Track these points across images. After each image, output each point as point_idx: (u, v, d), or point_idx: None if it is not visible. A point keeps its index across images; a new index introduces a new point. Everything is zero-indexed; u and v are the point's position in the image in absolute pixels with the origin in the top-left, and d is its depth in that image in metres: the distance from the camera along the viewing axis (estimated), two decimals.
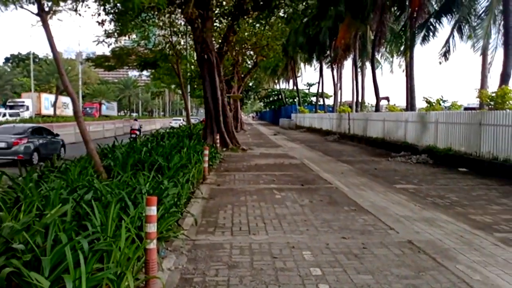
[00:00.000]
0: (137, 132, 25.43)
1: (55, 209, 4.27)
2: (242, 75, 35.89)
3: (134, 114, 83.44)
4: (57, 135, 17.25)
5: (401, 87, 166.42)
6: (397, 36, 28.86)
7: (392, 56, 36.87)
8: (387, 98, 38.83)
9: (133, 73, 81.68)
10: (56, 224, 3.83)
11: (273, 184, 10.02)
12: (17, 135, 14.55)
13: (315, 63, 47.12)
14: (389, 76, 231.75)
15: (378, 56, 35.38)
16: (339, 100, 41.64)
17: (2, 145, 13.93)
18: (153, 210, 4.14)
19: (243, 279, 4.26)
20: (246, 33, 25.09)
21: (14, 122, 25.68)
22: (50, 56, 61.44)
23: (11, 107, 42.74)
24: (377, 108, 26.00)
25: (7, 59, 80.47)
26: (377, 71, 32.90)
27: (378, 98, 26.24)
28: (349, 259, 4.87)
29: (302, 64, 54.89)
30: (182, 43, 28.70)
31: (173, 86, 46.89)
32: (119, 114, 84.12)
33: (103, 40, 21.45)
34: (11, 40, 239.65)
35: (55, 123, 27.88)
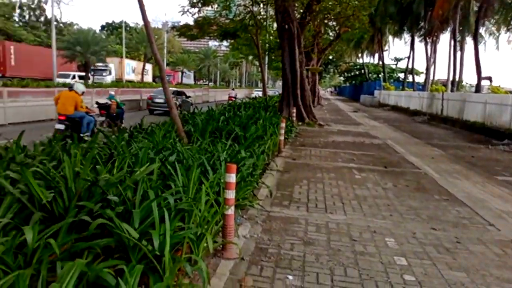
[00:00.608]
0: (233, 98, 30.22)
1: (143, 167, 4.66)
2: (323, 47, 35.09)
3: (231, 85, 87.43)
4: (189, 96, 25.04)
5: (507, 67, 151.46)
6: (508, 7, 26.23)
7: (499, 31, 33.76)
8: (489, 78, 35.81)
9: (213, 43, 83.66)
10: (144, 181, 4.20)
11: (352, 163, 9.88)
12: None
13: (406, 36, 44.68)
14: (494, 54, 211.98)
15: (481, 30, 32.62)
16: (431, 77, 39.26)
17: (160, 100, 20.90)
18: (232, 177, 4.35)
19: (320, 257, 4.33)
20: (330, 2, 24.40)
21: (100, 86, 27.77)
22: (139, 25, 65.20)
23: (95, 71, 45.90)
24: (478, 88, 24.15)
25: (102, 27, 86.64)
26: (480, 47, 30.32)
27: (479, 78, 24.30)
28: (440, 252, 4.64)
29: (390, 37, 52.27)
30: (262, 13, 28.80)
31: (250, 57, 47.45)
32: (196, 83, 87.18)
33: (188, 10, 22.40)
34: (106, 9, 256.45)
35: (143, 88, 29.69)
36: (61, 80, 27.25)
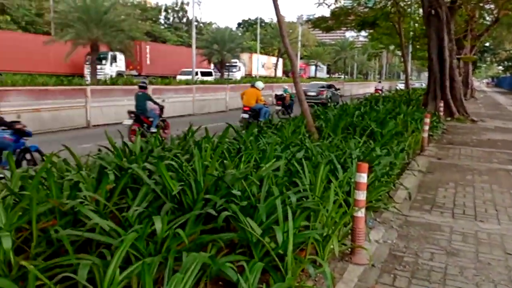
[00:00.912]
0: (380, 91, 30.89)
1: (269, 163, 4.76)
2: (478, 34, 31.67)
3: (378, 77, 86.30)
4: (338, 89, 27.31)
5: None
6: None
7: None
8: None
9: (350, 34, 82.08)
10: (269, 177, 4.27)
11: (511, 166, 8.76)
12: (320, 88, 24.99)
13: None
14: None
15: None
16: None
17: (313, 93, 23.84)
18: (363, 177, 4.17)
19: (464, 271, 3.92)
20: None
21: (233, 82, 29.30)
22: (274, 21, 67.56)
23: (227, 68, 48.36)
24: None
25: (239, 24, 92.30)
26: None
27: None
28: None
29: None
30: None
31: (391, 47, 45.28)
32: (331, 76, 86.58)
33: (324, 1, 22.48)
34: (243, 7, 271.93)
35: (275, 84, 30.60)
36: (183, 78, 29.36)
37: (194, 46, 31.94)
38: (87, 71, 32.42)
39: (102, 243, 3.29)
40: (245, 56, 53.79)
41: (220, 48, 44.67)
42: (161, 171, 4.00)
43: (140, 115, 10.84)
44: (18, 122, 6.84)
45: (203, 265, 3.00)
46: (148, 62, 36.31)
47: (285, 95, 18.32)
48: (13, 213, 3.12)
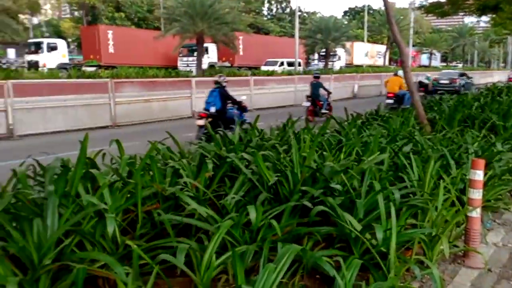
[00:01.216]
0: None
1: (373, 156, 4.59)
2: None
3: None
4: (470, 77, 27.08)
5: None
6: None
7: None
8: None
9: (469, 20, 75.90)
10: (371, 171, 4.12)
11: None
12: (453, 76, 25.25)
13: None
14: None
15: None
16: None
17: (446, 81, 24.27)
18: (478, 174, 3.86)
19: None
20: None
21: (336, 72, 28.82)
22: (383, 8, 65.04)
23: (324, 58, 47.26)
24: None
25: (345, 13, 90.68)
26: None
27: None
28: None
29: None
30: None
31: None
32: (448, 64, 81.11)
33: None
34: None
35: (383, 73, 29.51)
36: (270, 68, 29.35)
37: (297, 36, 31.94)
38: (180, 63, 34.21)
39: (200, 229, 3.46)
40: (346, 45, 52.32)
41: (324, 37, 44.13)
42: (258, 161, 4.07)
43: (314, 99, 13.96)
44: (241, 101, 9.65)
45: (299, 257, 3.01)
46: (241, 53, 36.95)
47: (427, 82, 21.47)
48: (120, 196, 3.39)
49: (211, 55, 35.19)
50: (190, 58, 33.13)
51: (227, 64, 36.21)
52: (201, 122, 9.16)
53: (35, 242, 2.56)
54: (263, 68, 30.47)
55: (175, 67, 30.68)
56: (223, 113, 9.33)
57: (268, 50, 39.40)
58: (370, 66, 46.84)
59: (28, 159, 4.20)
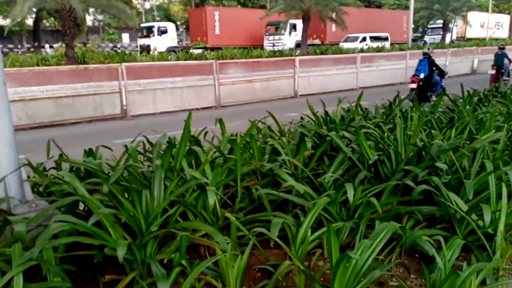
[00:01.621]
0: None
1: (487, 134, 4.34)
2: None
3: None
4: None
5: None
6: None
7: None
8: None
9: None
10: (484, 150, 3.91)
11: None
12: None
13: None
14: None
15: None
16: None
17: None
18: None
19: None
20: None
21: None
22: None
23: (422, 31, 43.45)
24: None
25: None
26: None
27: None
28: None
29: None
30: None
31: None
32: None
33: None
34: None
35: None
36: (351, 45, 27.70)
37: (412, 8, 30.33)
38: (266, 42, 33.76)
39: (297, 205, 3.59)
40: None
41: (442, 8, 41.32)
42: (360, 139, 4.07)
43: (498, 67, 16.07)
44: (443, 70, 12.58)
45: (397, 236, 3.01)
46: (333, 29, 35.56)
47: None
48: (221, 172, 3.64)
49: (298, 33, 34.30)
50: (277, 37, 32.71)
51: (317, 41, 35.43)
52: (413, 85, 12.11)
53: (143, 211, 2.88)
54: (342, 44, 28.96)
55: (261, 47, 30.24)
56: (430, 79, 12.13)
57: (367, 24, 37.69)
58: (485, 39, 42.63)
59: (139, 137, 4.67)
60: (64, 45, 19.10)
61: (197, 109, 13.38)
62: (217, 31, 33.16)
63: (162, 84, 13.34)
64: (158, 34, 32.26)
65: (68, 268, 2.64)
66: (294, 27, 33.65)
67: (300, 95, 15.97)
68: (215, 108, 14.09)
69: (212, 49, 26.08)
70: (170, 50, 28.24)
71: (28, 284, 2.31)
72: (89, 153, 4.05)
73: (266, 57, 17.13)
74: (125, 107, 12.52)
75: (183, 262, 2.58)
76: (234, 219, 2.94)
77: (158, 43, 31.40)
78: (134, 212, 2.82)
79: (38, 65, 12.45)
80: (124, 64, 12.65)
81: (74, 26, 17.35)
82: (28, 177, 3.53)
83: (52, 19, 45.65)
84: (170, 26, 34.14)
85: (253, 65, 15.69)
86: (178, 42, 36.30)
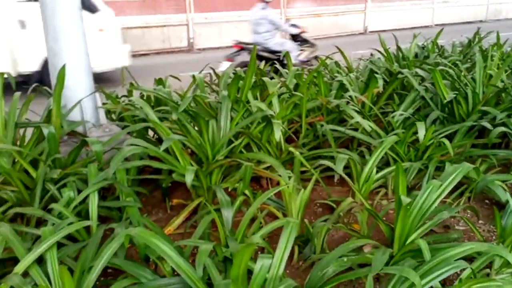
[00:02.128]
0: None
1: None
2: None
3: None
4: None
5: None
6: None
7: None
8: None
9: None
10: None
11: None
12: None
13: None
14: None
15: None
16: None
17: None
18: None
19: None
20: None
21: None
22: None
23: None
24: None
25: None
26: None
27: None
28: None
29: None
30: None
31: None
32: None
33: None
34: None
35: None
36: None
37: None
38: None
39: (362, 144, 3.51)
40: None
41: None
42: (435, 77, 3.83)
43: None
44: None
45: (468, 180, 2.88)
46: None
47: None
48: (286, 106, 3.59)
49: None
50: None
51: None
52: None
53: (210, 140, 2.92)
54: None
55: None
56: None
57: None
58: None
59: (205, 70, 4.68)
60: None
61: None
62: None
63: (228, 18, 13.17)
64: None
65: (139, 191, 2.77)
66: None
67: (370, 32, 15.27)
68: None
69: None
70: None
71: (102, 202, 2.44)
72: (159, 81, 4.12)
73: None
74: (191, 40, 12.55)
75: (247, 191, 2.62)
76: (298, 154, 2.92)
77: None
78: (201, 141, 2.87)
79: None
80: None
81: None
82: (103, 104, 3.67)
83: None
84: None
85: None
86: None
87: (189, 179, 2.33)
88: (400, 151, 3.16)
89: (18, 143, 2.97)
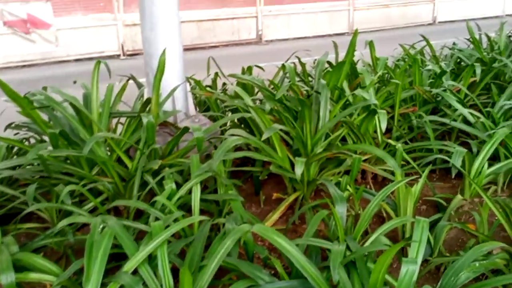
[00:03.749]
0: None
1: None
2: None
3: None
4: None
5: None
6: None
7: None
8: None
9: None
10: None
11: None
12: None
13: None
14: None
15: None
16: None
17: None
18: None
19: None
20: None
21: None
22: None
23: None
24: None
25: None
26: None
27: None
28: None
29: None
30: None
31: None
32: None
33: None
34: None
35: None
36: None
37: None
38: None
39: (460, 136, 3.20)
40: None
41: None
42: None
43: None
44: None
45: None
46: None
47: None
48: (379, 96, 3.32)
49: None
50: None
51: None
52: None
53: (310, 130, 2.70)
54: None
55: None
56: None
57: None
58: None
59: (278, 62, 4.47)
60: None
61: (329, 35, 12.79)
62: None
63: (296, 9, 12.87)
64: None
65: (234, 183, 2.62)
66: None
67: (439, 22, 14.42)
68: (348, 34, 13.33)
69: None
70: None
71: (204, 194, 2.31)
72: (248, 70, 3.97)
73: None
74: (260, 32, 12.39)
75: (349, 187, 2.40)
76: (399, 146, 2.67)
77: None
78: (299, 132, 2.67)
79: None
80: None
81: None
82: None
83: None
84: None
85: None
86: None
87: (299, 171, 2.15)
88: (511, 144, 2.81)
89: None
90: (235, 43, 12.19)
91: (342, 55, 3.73)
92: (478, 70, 3.64)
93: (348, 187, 2.39)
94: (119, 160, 2.69)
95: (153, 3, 2.99)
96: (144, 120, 2.58)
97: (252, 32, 12.36)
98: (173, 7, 3.09)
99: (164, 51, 2.76)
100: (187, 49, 11.52)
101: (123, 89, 3.16)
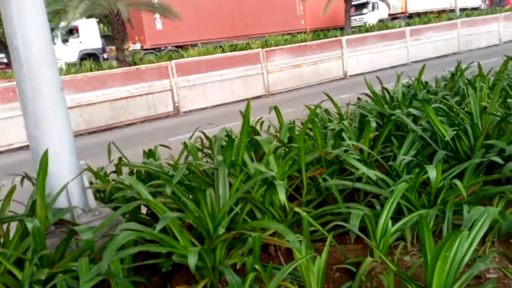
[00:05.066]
0: None
1: None
2: None
3: None
4: None
5: None
6: None
7: None
8: None
9: None
10: None
11: None
12: None
13: None
14: None
15: None
16: None
17: None
18: None
19: None
20: None
21: None
22: None
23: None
24: None
25: None
26: None
27: None
28: None
29: None
30: None
31: None
32: None
33: None
34: None
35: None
36: None
37: None
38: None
39: (367, 194, 3.27)
40: None
41: None
42: (429, 115, 3.67)
43: None
44: None
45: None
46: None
47: None
48: (284, 163, 3.37)
49: (381, 11, 32.54)
50: (358, 17, 31.38)
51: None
52: None
53: (209, 211, 2.67)
54: None
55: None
56: None
57: None
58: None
59: (195, 132, 4.47)
60: (114, 48, 19.40)
61: (246, 99, 13.15)
62: None
63: (211, 78, 13.21)
64: None
65: (136, 280, 2.47)
66: (375, 5, 32.42)
67: (350, 76, 15.41)
68: (265, 96, 13.82)
69: None
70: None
71: None
72: (149, 154, 3.89)
73: (311, 40, 16.62)
74: (177, 104, 12.50)
75: (256, 266, 2.34)
76: (305, 214, 2.67)
77: None
78: (199, 214, 2.61)
79: (91, 70, 12.63)
80: (173, 61, 12.61)
81: (123, 30, 17.52)
82: (91, 183, 3.42)
83: (101, 25, 46.77)
84: None
85: (299, 49, 15.24)
86: None
87: (192, 261, 2.06)
88: (412, 198, 2.92)
89: (1, 240, 2.69)
90: (153, 118, 12.17)
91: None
92: (373, 124, 3.84)
93: (256, 266, 2.33)
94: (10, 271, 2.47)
95: (35, 101, 2.88)
96: (29, 226, 2.41)
97: (169, 105, 12.44)
98: (57, 100, 2.99)
99: (46, 151, 2.63)
100: (101, 130, 11.34)
101: (12, 190, 2.97)
